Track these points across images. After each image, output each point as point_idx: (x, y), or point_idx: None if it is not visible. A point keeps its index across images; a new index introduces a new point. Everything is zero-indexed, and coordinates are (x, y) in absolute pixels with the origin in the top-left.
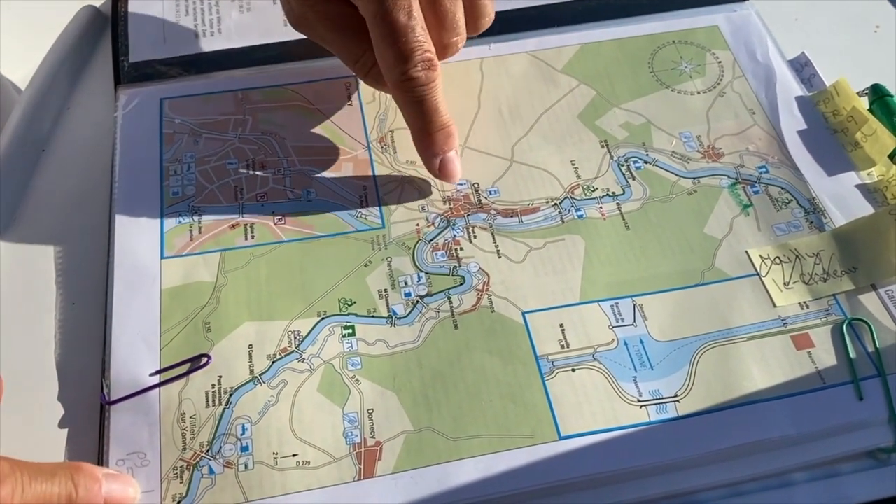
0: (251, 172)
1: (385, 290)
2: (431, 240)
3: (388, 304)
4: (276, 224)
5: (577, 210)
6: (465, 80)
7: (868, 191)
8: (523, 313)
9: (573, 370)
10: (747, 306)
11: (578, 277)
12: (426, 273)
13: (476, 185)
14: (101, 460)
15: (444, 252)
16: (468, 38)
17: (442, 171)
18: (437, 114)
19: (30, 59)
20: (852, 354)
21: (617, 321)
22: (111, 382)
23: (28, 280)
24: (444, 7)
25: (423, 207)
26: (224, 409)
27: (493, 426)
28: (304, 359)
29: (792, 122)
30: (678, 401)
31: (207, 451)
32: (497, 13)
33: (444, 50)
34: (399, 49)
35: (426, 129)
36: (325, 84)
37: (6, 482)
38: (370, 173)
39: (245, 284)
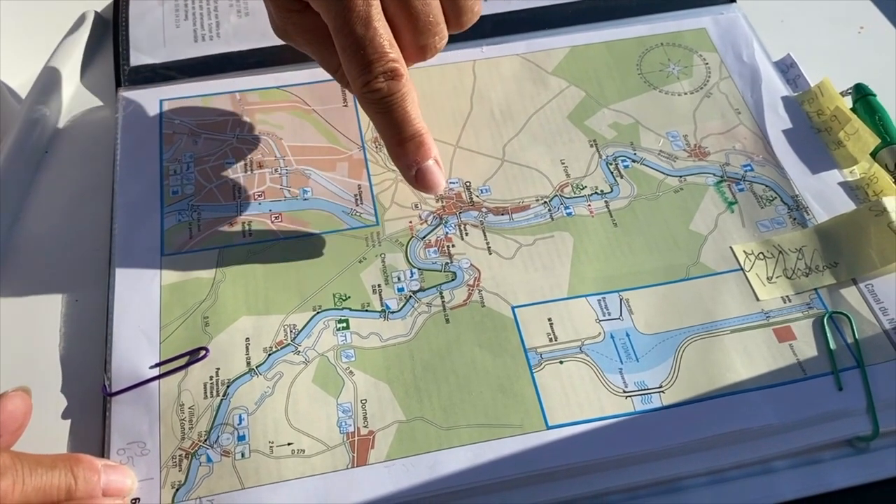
0: (249, 172)
1: (379, 286)
2: (424, 237)
3: (381, 299)
4: (273, 222)
5: (567, 208)
6: (458, 81)
7: (850, 188)
8: (513, 308)
9: (561, 362)
10: (731, 300)
11: (567, 273)
12: (419, 269)
13: (468, 184)
14: (103, 450)
15: (436, 249)
16: (458, 36)
17: (419, 182)
18: (406, 123)
19: (28, 65)
20: (833, 346)
21: (604, 315)
22: (112, 375)
23: (32, 278)
24: (415, 8)
25: (416, 205)
26: (222, 399)
27: (483, 416)
28: (299, 351)
29: (777, 122)
30: (663, 391)
31: (205, 440)
32: (489, 16)
33: (421, 51)
34: (358, 61)
35: (395, 140)
36: (320, 86)
37: (7, 474)
38: (365, 172)
39: (243, 280)
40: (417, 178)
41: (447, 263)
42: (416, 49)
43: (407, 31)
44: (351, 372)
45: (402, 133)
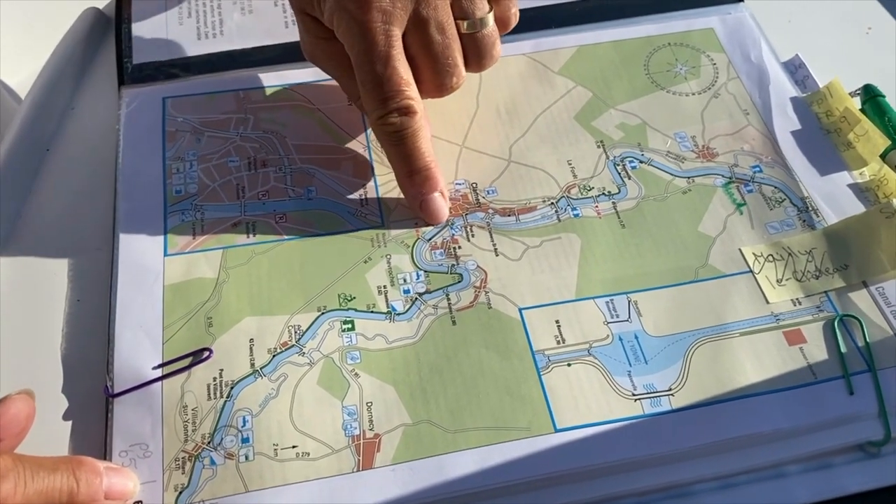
0: (253, 170)
1: (384, 287)
2: (430, 238)
3: (387, 301)
4: (277, 222)
5: (574, 209)
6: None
7: (860, 190)
8: (520, 309)
9: (569, 364)
10: (740, 303)
11: (574, 275)
12: (425, 271)
13: (474, 185)
14: (105, 452)
15: (442, 250)
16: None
17: (423, 211)
18: (416, 157)
19: (29, 63)
20: (843, 350)
21: (612, 317)
22: (114, 376)
23: (34, 278)
24: (435, 51)
25: None
26: (225, 401)
27: (490, 419)
28: (304, 352)
29: (785, 123)
30: (672, 394)
31: (209, 442)
32: None
33: (438, 89)
34: (376, 96)
35: (404, 171)
36: (324, 85)
37: (9, 477)
38: (370, 173)
39: (246, 280)
40: (422, 207)
41: (453, 265)
42: (434, 87)
43: (426, 69)
44: (356, 374)
45: (411, 165)
